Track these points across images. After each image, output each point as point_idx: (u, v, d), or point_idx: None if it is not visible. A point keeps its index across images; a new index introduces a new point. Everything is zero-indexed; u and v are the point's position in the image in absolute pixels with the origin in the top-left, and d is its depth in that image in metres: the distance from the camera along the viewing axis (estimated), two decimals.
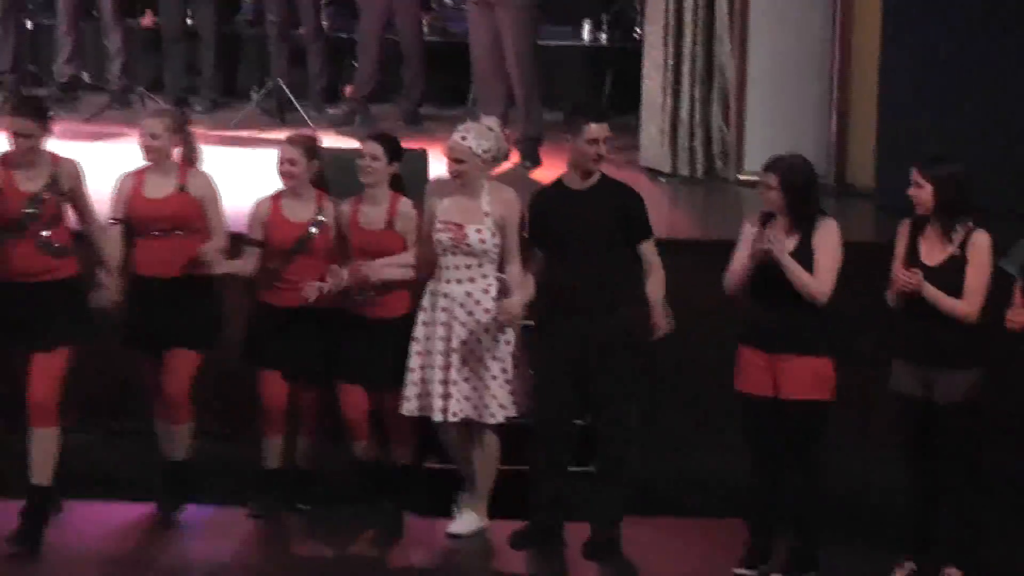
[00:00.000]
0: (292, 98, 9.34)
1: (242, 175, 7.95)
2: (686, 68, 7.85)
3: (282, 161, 5.56)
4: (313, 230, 5.50)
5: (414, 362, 5.45)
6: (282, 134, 8.60)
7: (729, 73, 7.82)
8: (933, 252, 5.12)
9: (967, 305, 4.91)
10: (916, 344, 4.86)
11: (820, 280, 4.82)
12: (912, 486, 5.04)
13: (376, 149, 5.42)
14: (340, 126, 9.07)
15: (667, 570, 5.35)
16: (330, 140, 8.14)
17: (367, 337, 5.56)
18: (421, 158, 7.39)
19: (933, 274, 5.02)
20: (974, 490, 4.97)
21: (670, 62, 7.87)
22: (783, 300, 4.93)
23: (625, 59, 9.15)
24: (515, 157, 8.36)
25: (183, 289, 5.40)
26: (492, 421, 5.38)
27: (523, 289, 5.28)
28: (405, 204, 5.49)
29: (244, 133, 9.17)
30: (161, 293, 5.37)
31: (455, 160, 5.31)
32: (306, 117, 9.18)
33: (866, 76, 7.72)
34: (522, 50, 8.32)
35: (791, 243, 4.91)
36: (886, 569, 5.12)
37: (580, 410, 5.39)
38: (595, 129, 5.24)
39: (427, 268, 5.40)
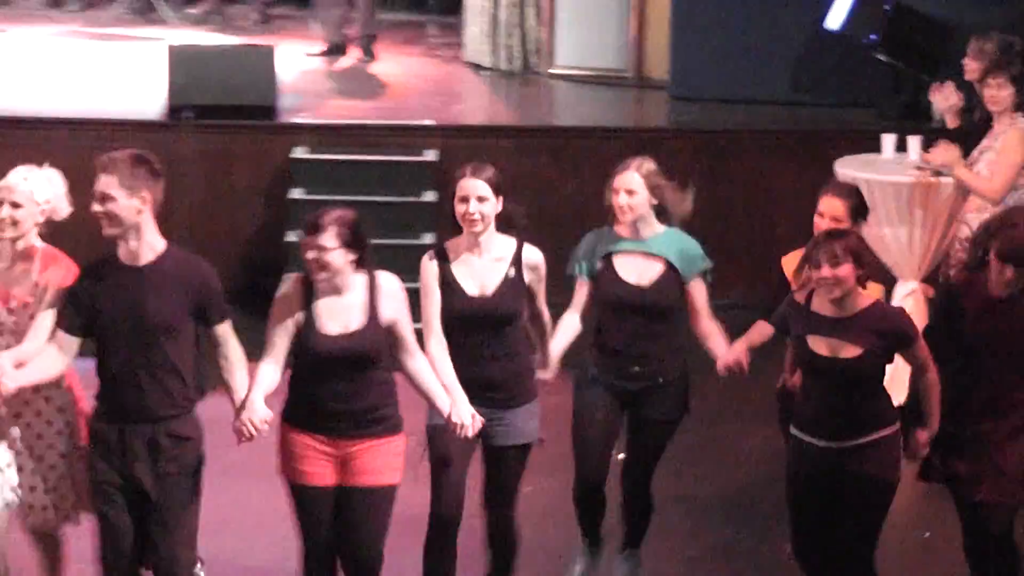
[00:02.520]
0: (152, 1, 10.66)
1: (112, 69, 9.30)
2: None
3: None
4: None
5: None
6: (145, 31, 9.93)
7: None
8: None
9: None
10: None
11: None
12: None
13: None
14: (198, 24, 10.42)
15: None
16: (189, 36, 9.66)
17: None
18: (269, 54, 8.51)
19: None
20: None
21: None
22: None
23: None
24: (356, 53, 9.74)
25: None
26: None
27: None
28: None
29: (114, 30, 10.45)
30: None
31: None
32: (166, 17, 10.40)
33: None
34: None
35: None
36: None
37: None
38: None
39: None
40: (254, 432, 4.20)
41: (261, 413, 4.19)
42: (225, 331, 4.36)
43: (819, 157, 8.26)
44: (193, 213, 8.99)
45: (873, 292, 4.61)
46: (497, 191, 4.49)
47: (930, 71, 8.55)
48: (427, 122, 9.08)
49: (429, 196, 8.60)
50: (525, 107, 9.84)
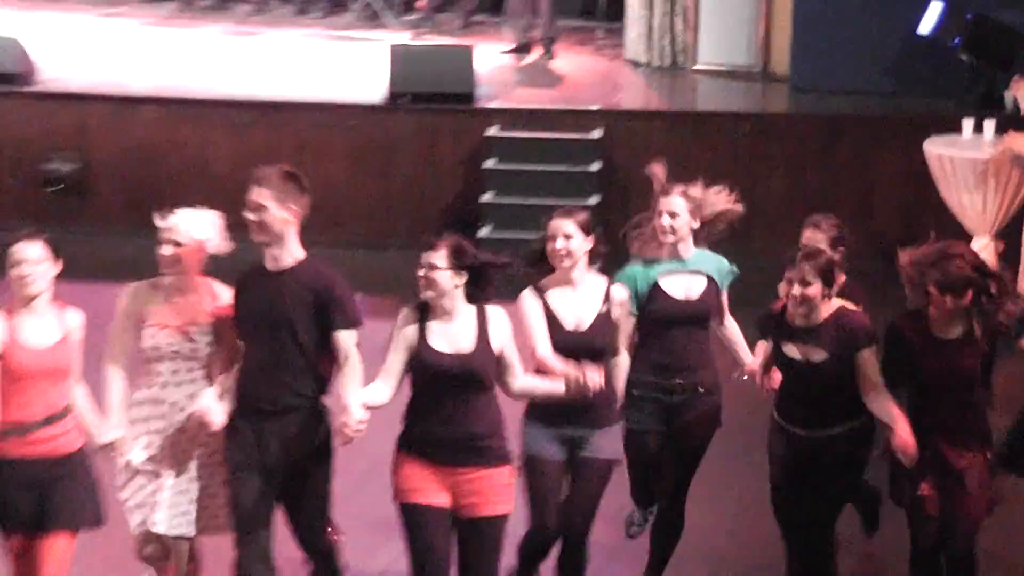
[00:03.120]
0: (377, 10, 12.25)
1: (345, 63, 10.95)
2: None
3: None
4: None
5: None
6: (372, 33, 11.55)
7: None
8: None
9: None
10: None
11: None
12: None
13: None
14: (414, 28, 11.95)
15: None
16: (406, 37, 11.45)
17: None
18: (469, 52, 9.93)
19: None
20: None
21: None
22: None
23: None
24: (538, 51, 11.41)
25: None
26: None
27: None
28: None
29: (347, 33, 12.17)
30: None
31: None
32: (388, 23, 12.03)
33: None
34: None
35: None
36: None
37: None
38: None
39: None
40: (352, 433, 4.20)
41: (358, 415, 4.19)
42: (346, 338, 4.37)
43: (911, 139, 9.33)
44: (407, 179, 10.26)
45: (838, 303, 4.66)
46: (585, 230, 4.50)
47: (1004, 68, 9.61)
48: (594, 107, 10.41)
49: (595, 166, 9.93)
50: (673, 96, 11.47)
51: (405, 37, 11.88)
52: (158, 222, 4.55)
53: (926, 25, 10.00)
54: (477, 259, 4.36)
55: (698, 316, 4.81)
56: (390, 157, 10.57)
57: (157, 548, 4.77)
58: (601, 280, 4.69)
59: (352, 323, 4.41)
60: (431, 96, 10.19)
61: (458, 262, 4.28)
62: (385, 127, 10.46)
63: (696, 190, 4.77)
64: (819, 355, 4.49)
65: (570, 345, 4.47)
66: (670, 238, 4.65)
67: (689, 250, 4.85)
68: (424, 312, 4.29)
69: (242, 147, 10.23)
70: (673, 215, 4.62)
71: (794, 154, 10.23)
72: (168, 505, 4.71)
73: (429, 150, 10.33)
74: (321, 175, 9.66)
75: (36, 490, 4.43)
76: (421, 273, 4.31)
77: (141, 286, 4.71)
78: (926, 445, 4.40)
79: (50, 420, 4.46)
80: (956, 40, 9.81)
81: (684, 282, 4.79)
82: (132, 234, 9.09)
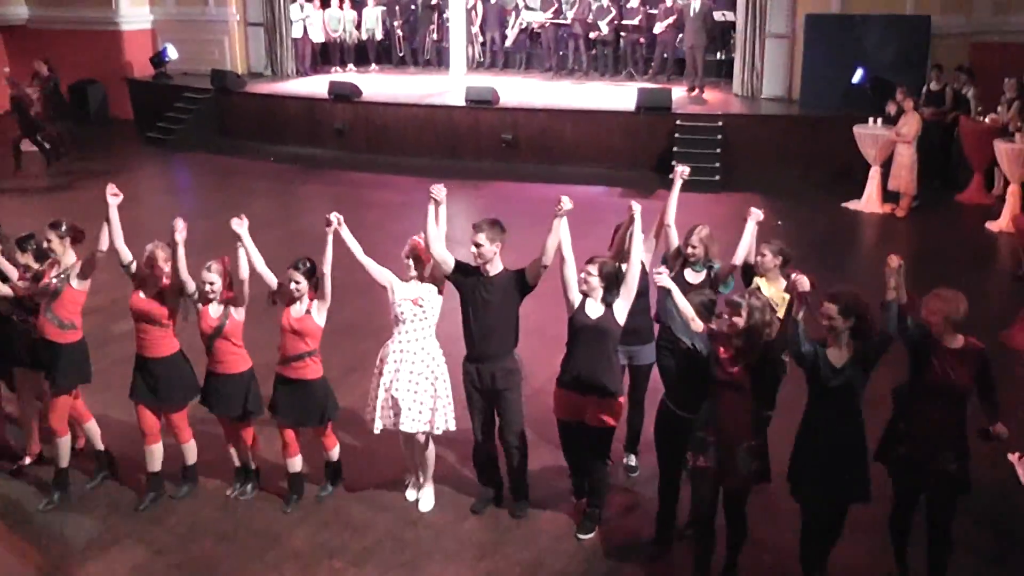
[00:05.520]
0: (634, 73, 20.62)
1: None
2: None
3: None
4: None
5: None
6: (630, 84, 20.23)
7: None
8: None
9: None
10: None
11: None
12: None
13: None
14: (647, 81, 19.92)
15: None
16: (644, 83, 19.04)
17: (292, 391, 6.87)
18: (668, 93, 17.89)
19: None
20: None
21: None
22: None
23: None
24: (697, 91, 19.11)
25: None
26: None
27: None
28: None
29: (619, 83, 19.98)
30: None
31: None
32: (637, 78, 20.19)
33: None
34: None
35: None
36: None
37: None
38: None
39: None
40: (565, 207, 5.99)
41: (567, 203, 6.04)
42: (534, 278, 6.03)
43: (849, 125, 16.03)
44: (637, 144, 18.05)
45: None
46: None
47: (883, 96, 15.59)
48: (719, 112, 17.36)
49: (718, 149, 16.87)
50: (753, 108, 18.37)
51: (643, 83, 19.56)
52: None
53: (856, 78, 16.85)
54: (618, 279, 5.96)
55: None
56: (634, 134, 18.02)
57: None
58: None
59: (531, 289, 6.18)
60: (656, 108, 17.53)
61: (606, 283, 6.07)
62: (634, 122, 18.01)
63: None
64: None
65: None
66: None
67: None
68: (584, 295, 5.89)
69: (578, 132, 18.17)
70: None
71: (806, 135, 17.25)
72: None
73: (648, 129, 17.73)
74: (604, 141, 17.98)
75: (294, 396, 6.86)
76: (582, 276, 6.01)
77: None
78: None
79: (299, 357, 6.76)
80: (867, 84, 16.57)
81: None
82: None
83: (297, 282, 6.65)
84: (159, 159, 20.47)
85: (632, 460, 7.49)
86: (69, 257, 7.08)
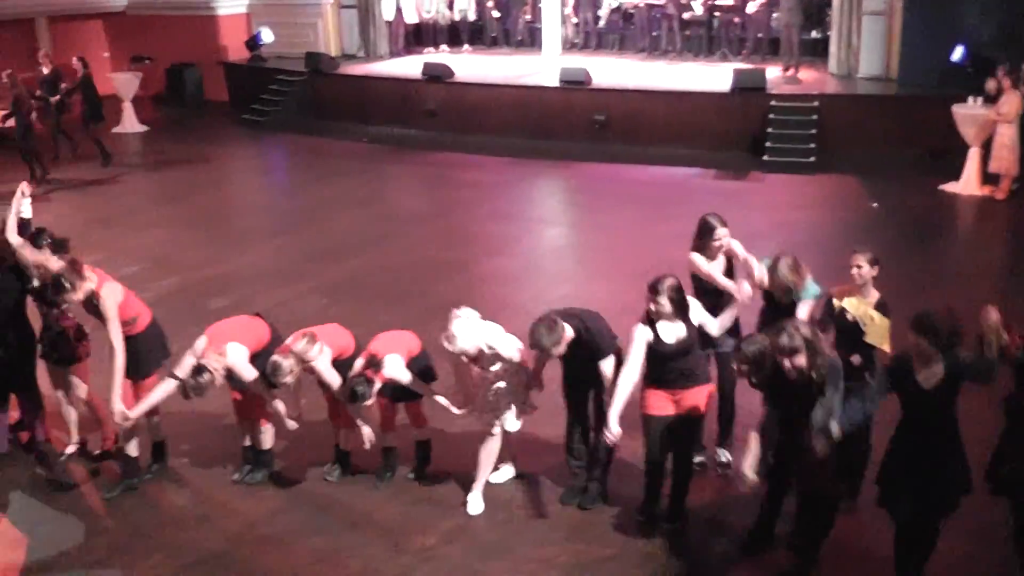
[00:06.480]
0: (728, 54, 21.08)
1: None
2: None
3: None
4: None
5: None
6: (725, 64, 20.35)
7: None
8: None
9: None
10: None
11: None
12: None
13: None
14: (742, 61, 20.72)
15: None
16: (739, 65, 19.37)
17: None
18: (762, 73, 17.87)
19: None
20: None
21: None
22: None
23: None
24: (792, 71, 19.15)
25: None
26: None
27: None
28: None
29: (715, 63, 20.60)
30: None
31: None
32: (732, 59, 20.70)
33: None
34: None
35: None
36: None
37: None
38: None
39: None
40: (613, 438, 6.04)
41: (616, 431, 5.95)
42: None
43: (947, 105, 15.47)
44: (732, 121, 18.00)
45: None
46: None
47: (984, 75, 14.92)
48: (815, 92, 17.32)
49: (814, 129, 16.76)
50: (849, 87, 18.19)
51: (738, 64, 19.80)
52: None
53: (956, 56, 16.32)
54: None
55: None
56: (728, 111, 18.00)
57: None
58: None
59: None
60: (745, 89, 17.65)
61: (677, 307, 6.11)
62: (727, 103, 18.00)
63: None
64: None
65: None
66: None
67: None
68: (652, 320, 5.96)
69: (671, 113, 18.12)
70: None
71: (903, 115, 16.90)
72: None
73: (742, 110, 17.77)
74: (697, 122, 17.87)
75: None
76: (651, 307, 6.09)
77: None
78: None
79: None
80: (966, 63, 16.16)
81: None
82: None
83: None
84: (253, 140, 21.10)
85: (724, 456, 7.40)
86: (87, 285, 7.17)
